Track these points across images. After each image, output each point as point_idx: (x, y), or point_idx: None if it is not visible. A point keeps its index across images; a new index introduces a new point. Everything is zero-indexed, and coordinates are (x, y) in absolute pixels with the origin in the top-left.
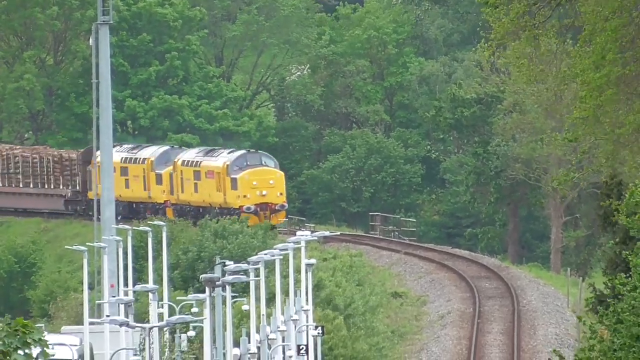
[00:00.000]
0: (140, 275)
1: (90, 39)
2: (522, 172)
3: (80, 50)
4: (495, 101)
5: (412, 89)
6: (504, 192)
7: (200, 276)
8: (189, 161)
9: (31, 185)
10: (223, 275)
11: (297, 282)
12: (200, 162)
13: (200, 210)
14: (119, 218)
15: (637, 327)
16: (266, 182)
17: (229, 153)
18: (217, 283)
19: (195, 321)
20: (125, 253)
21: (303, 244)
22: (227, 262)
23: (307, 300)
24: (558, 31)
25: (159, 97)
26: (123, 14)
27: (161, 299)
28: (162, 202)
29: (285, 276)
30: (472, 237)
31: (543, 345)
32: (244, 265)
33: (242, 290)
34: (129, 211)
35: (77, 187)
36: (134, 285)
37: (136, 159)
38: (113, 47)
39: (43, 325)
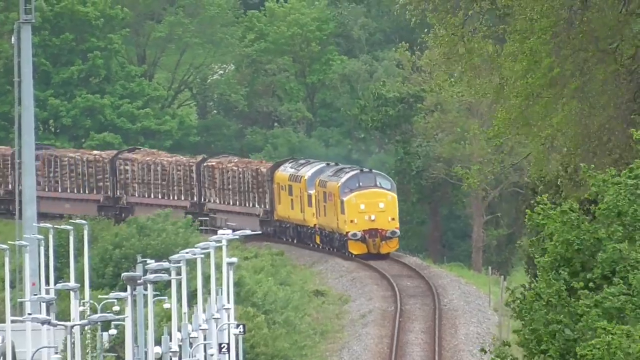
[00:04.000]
0: (61, 274)
1: (12, 38)
2: (443, 172)
3: (3, 50)
4: (416, 100)
5: (334, 87)
6: (425, 191)
7: (122, 274)
8: (322, 181)
9: (237, 204)
10: (145, 273)
11: (219, 280)
12: (327, 182)
13: (330, 237)
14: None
15: (555, 324)
16: (375, 205)
17: (346, 172)
18: (138, 281)
19: (117, 319)
20: (46, 252)
21: (224, 242)
22: (149, 261)
23: (228, 298)
24: (493, 37)
25: (81, 96)
26: (46, 15)
27: (83, 298)
28: (313, 225)
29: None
30: None
31: (464, 344)
32: (165, 264)
33: (164, 288)
34: (296, 234)
35: (267, 206)
36: (55, 284)
37: (297, 176)
38: (35, 47)
39: None
